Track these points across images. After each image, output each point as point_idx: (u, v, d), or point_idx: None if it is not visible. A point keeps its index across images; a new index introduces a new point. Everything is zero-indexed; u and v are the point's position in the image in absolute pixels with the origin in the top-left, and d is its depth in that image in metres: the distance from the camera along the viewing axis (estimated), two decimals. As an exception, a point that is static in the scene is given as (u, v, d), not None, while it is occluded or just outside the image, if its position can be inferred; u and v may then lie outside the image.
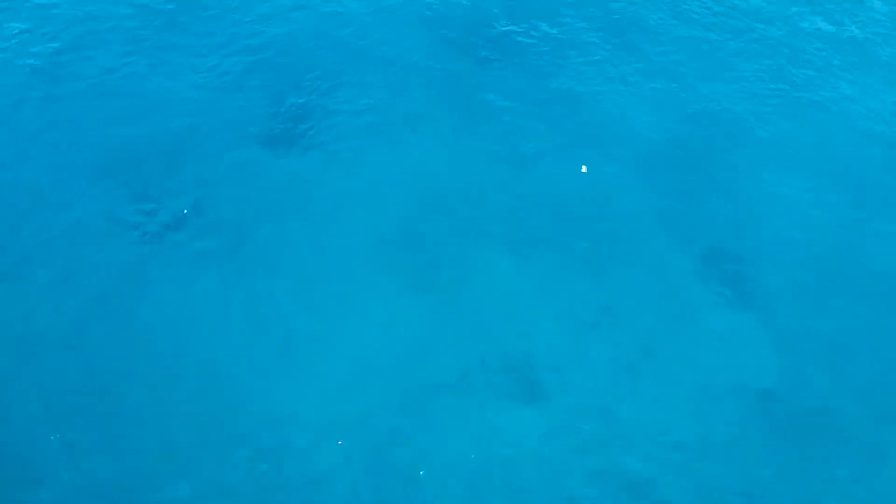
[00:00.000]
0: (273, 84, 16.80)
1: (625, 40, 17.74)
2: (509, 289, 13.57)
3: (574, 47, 17.49)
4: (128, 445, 11.43)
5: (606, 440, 11.67)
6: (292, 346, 12.71)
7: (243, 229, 14.28)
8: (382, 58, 17.33)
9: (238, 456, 11.39)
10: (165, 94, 16.40)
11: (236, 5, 18.24)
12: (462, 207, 14.83)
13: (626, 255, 14.24)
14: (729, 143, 16.25)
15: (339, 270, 13.78)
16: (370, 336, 12.85)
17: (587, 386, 12.45)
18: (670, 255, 14.34)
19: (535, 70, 17.29)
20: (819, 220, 14.73)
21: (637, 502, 11.01)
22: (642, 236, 14.62)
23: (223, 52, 17.21)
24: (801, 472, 11.44)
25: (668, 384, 12.55)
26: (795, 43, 18.06)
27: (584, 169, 15.14)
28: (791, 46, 17.93)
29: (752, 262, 14.28)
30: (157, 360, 12.46)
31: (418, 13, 18.14)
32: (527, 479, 11.15)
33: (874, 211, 14.99)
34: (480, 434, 11.74)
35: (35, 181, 14.80)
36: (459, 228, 14.46)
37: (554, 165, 15.55)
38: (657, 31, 17.94)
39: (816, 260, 14.27)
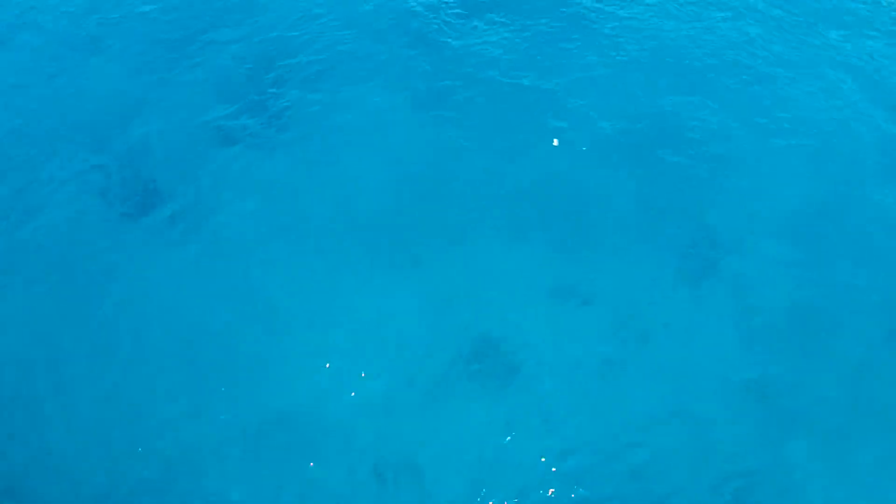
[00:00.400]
0: (247, 72, 16.52)
1: (601, 33, 17.74)
2: (486, 272, 13.44)
3: (552, 40, 17.49)
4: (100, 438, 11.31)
5: (584, 428, 11.67)
6: (275, 331, 12.58)
7: (224, 218, 14.04)
8: (360, 44, 17.17)
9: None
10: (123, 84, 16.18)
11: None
12: (442, 192, 14.64)
13: (603, 236, 14.15)
14: (708, 131, 16.12)
15: (319, 256, 13.58)
16: (348, 325, 12.72)
17: (566, 375, 12.34)
18: (650, 240, 14.22)
19: (511, 57, 17.19)
20: (803, 205, 14.73)
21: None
22: (620, 219, 14.50)
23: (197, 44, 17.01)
24: (784, 465, 11.55)
25: (651, 373, 12.50)
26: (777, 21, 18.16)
27: (555, 142, 15.15)
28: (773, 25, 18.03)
29: (733, 248, 14.22)
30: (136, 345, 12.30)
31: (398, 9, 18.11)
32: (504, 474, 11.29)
33: (857, 193, 15.02)
34: (461, 424, 11.67)
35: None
36: (439, 212, 14.27)
37: (529, 144, 15.42)
38: (639, 26, 17.94)
39: (799, 245, 14.26)
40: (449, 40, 17.39)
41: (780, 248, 14.00)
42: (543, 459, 11.40)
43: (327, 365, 12.11)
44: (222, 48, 17.09)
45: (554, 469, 11.33)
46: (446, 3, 18.37)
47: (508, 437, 11.62)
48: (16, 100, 16.04)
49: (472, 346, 12.51)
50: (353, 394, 11.93)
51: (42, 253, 13.52)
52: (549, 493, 11.13)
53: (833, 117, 16.14)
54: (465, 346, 12.51)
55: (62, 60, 16.82)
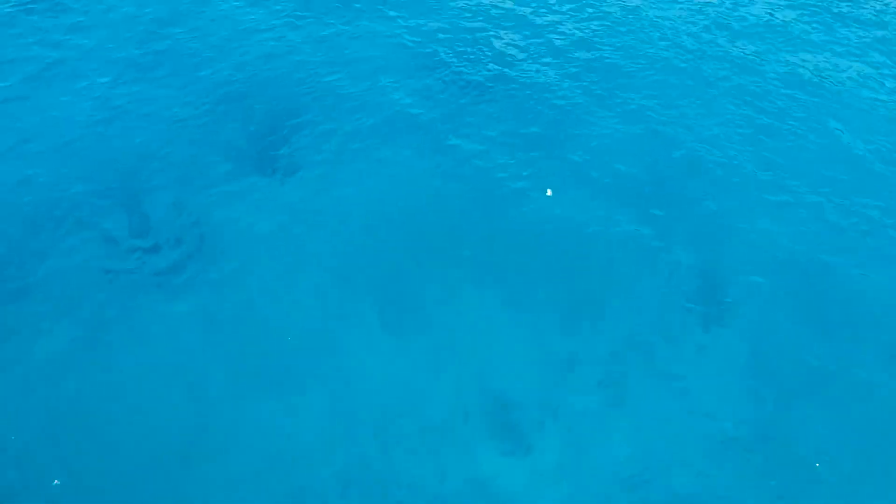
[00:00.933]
0: (241, 111, 16.95)
1: (602, 83, 18.16)
2: (481, 324, 13.40)
3: (551, 89, 17.90)
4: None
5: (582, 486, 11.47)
6: (266, 379, 12.53)
7: (214, 258, 14.18)
8: (359, 89, 17.65)
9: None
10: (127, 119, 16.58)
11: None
12: (437, 239, 14.77)
13: (602, 287, 14.14)
14: (706, 178, 16.27)
15: (310, 303, 13.58)
16: (341, 374, 12.67)
17: (562, 430, 12.19)
18: (649, 289, 14.21)
19: (512, 109, 17.59)
20: (803, 254, 14.74)
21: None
22: (617, 268, 14.53)
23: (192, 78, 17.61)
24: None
25: (649, 426, 12.32)
26: (773, 84, 18.53)
27: (548, 192, 15.22)
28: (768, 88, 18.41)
29: (734, 296, 14.18)
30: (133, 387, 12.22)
31: (400, 54, 18.66)
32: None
33: (855, 241, 15.05)
34: (458, 480, 11.48)
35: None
36: (434, 260, 14.34)
37: (526, 195, 15.59)
38: (636, 76, 18.40)
39: (799, 294, 14.21)
40: (453, 101, 17.75)
41: (785, 302, 13.99)
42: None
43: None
44: (231, 103, 17.52)
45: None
46: (451, 66, 18.78)
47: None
48: (25, 149, 16.25)
49: (469, 404, 12.36)
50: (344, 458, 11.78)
51: (46, 300, 13.52)
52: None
53: (836, 169, 16.31)
54: (460, 402, 12.39)
55: (71, 112, 17.14)
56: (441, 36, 19.36)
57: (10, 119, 16.73)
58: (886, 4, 21.15)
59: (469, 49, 19.09)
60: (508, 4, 20.63)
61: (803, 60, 19.10)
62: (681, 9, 20.79)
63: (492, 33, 19.62)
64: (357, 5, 20.24)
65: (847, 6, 21.03)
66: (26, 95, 17.25)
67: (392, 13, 20.05)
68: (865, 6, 20.99)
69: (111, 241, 14.51)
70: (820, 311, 13.88)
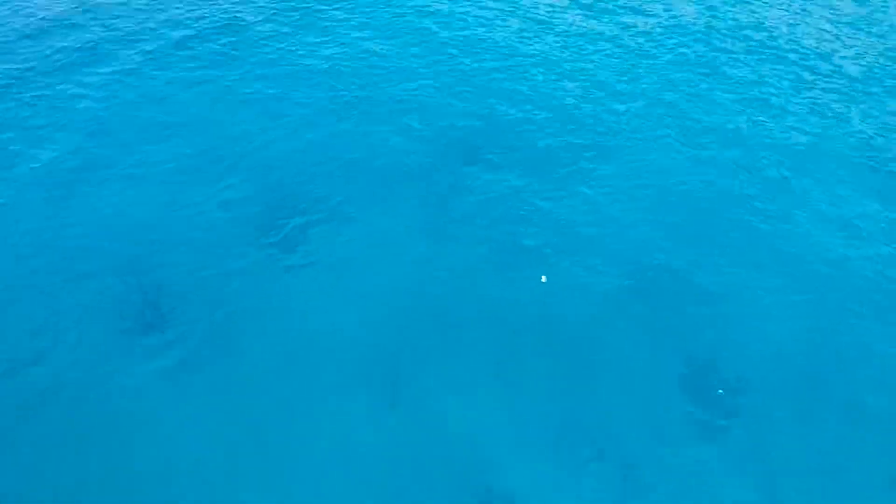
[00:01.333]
0: (257, 213, 17.24)
1: (597, 163, 18.71)
2: (480, 414, 13.37)
3: (546, 170, 18.45)
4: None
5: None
6: (265, 459, 12.46)
7: (217, 343, 14.26)
8: (366, 173, 18.14)
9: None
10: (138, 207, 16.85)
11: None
12: (439, 323, 14.88)
13: (600, 374, 14.14)
14: (702, 260, 16.51)
15: (312, 386, 13.61)
16: (340, 457, 12.59)
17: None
18: (646, 376, 14.20)
19: (513, 188, 18.03)
20: (807, 339, 14.86)
21: None
22: (616, 354, 14.56)
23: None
24: None
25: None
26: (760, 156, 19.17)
27: (543, 279, 15.39)
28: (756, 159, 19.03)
29: (736, 384, 14.16)
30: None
31: (403, 138, 19.24)
32: None
33: (860, 323, 15.19)
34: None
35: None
36: (434, 346, 14.43)
37: (519, 282, 15.77)
38: (627, 157, 18.97)
39: (803, 381, 14.21)
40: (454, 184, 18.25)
41: (786, 399, 13.95)
42: None
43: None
44: (235, 187, 17.88)
45: None
46: (451, 150, 19.30)
47: None
48: (29, 224, 16.45)
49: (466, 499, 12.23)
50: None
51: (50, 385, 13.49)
52: None
53: (830, 267, 16.59)
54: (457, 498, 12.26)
55: (77, 187, 17.45)
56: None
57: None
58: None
59: (471, 146, 19.65)
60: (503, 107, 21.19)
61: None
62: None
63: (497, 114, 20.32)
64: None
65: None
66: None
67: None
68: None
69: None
70: (822, 409, 13.84)
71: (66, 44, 21.49)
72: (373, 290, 15.40)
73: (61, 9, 23.14)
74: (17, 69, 20.49)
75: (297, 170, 18.30)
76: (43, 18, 22.54)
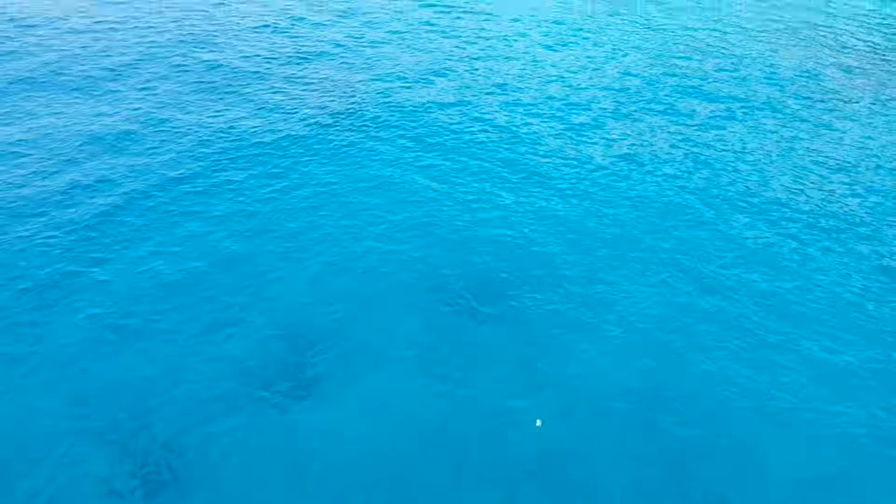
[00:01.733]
0: (261, 357, 17.35)
1: (601, 304, 18.85)
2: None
3: (554, 314, 18.62)
4: None
5: None
6: None
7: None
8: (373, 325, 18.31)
9: None
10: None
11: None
12: (451, 465, 14.83)
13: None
14: (706, 402, 16.59)
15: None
16: None
17: None
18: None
19: (521, 330, 18.27)
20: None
21: None
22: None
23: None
24: None
25: None
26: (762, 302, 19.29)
27: (538, 423, 15.66)
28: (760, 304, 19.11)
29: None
30: None
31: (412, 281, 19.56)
32: None
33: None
34: None
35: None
36: (441, 487, 14.36)
37: (514, 424, 15.84)
38: (629, 299, 19.20)
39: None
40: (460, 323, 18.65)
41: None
42: None
43: None
44: (239, 330, 18.13)
45: None
46: (463, 287, 19.78)
47: None
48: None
49: None
50: None
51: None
52: None
53: (831, 400, 16.72)
54: None
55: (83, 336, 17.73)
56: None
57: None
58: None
59: (475, 283, 20.17)
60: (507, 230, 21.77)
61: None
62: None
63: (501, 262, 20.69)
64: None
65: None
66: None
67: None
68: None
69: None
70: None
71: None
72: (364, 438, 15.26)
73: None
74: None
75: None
76: None
